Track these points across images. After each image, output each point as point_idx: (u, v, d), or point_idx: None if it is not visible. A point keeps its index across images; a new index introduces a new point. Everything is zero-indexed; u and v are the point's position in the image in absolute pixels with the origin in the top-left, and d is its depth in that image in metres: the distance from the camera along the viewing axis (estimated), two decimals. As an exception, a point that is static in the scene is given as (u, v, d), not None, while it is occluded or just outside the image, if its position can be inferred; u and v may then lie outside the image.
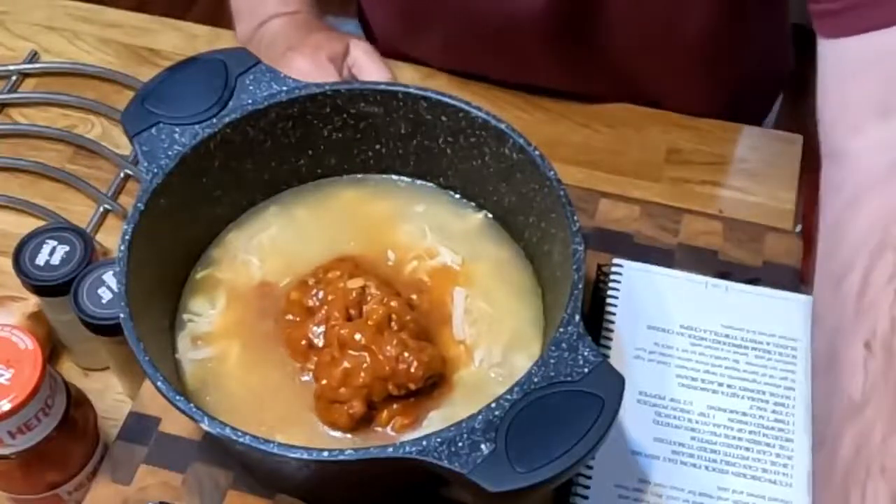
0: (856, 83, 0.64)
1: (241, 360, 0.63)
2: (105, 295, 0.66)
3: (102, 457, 0.66)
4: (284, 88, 0.65)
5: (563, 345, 0.54)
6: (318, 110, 0.66)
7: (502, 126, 0.63)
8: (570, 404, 0.52)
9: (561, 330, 0.54)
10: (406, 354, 0.58)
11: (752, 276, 0.72)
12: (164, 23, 0.98)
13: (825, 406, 0.61)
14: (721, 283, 0.71)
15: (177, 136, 0.63)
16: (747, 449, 0.64)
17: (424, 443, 0.51)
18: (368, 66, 0.84)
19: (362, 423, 0.59)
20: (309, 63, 0.81)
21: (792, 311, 0.69)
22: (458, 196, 0.70)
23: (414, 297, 0.64)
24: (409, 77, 0.93)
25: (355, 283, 0.62)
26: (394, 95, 0.66)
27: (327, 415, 0.59)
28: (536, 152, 0.62)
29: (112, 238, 0.82)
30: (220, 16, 0.97)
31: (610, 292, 0.70)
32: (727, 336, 0.69)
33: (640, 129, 0.89)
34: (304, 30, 0.88)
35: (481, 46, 0.89)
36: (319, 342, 0.61)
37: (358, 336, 0.59)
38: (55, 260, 0.69)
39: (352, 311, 0.61)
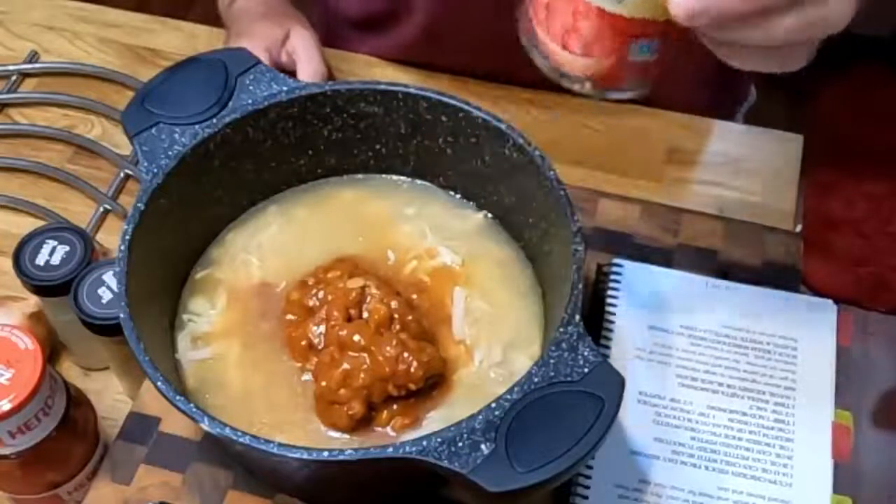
0: None
1: (241, 360, 0.63)
2: (105, 295, 0.66)
3: (102, 457, 0.66)
4: (284, 88, 0.65)
5: (563, 345, 0.54)
6: (318, 110, 0.66)
7: (502, 126, 0.63)
8: (570, 404, 0.52)
9: (561, 330, 0.54)
10: (406, 355, 0.58)
11: (752, 276, 0.72)
12: (164, 23, 0.98)
13: None
14: (721, 283, 0.71)
15: (177, 136, 0.63)
16: (747, 449, 0.64)
17: (424, 443, 0.51)
18: (301, 56, 0.85)
19: (362, 424, 0.59)
20: None
21: (792, 311, 0.69)
22: (458, 196, 0.70)
23: (414, 297, 0.64)
24: (409, 77, 0.93)
25: (355, 283, 0.62)
26: (394, 95, 0.66)
27: (327, 416, 0.59)
28: (536, 152, 0.62)
29: (112, 238, 0.82)
30: (220, 16, 0.97)
31: (610, 292, 0.70)
32: (727, 336, 0.68)
33: (640, 129, 0.89)
34: (257, 15, 0.88)
35: (467, 39, 0.89)
36: (319, 342, 0.61)
37: (357, 337, 0.59)
38: (55, 260, 0.69)
39: (352, 311, 0.61)
